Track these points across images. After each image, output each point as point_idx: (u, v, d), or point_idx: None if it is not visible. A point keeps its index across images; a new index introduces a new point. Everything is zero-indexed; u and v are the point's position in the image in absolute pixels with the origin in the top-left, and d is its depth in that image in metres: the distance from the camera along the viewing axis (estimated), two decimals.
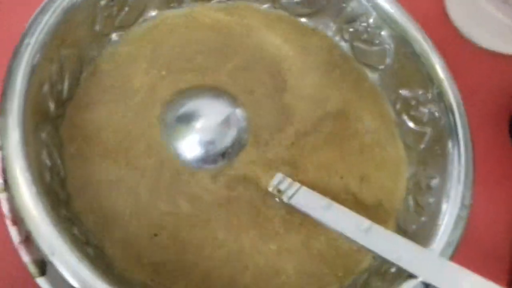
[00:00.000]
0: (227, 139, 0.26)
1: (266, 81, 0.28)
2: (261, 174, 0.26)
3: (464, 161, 0.25)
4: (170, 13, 0.30)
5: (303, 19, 0.31)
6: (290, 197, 0.25)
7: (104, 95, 0.26)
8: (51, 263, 0.20)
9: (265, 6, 0.31)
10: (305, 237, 0.25)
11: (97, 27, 0.27)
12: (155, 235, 0.24)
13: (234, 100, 0.27)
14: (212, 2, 0.30)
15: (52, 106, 0.24)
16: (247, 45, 0.29)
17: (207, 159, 0.26)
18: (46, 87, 0.24)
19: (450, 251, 0.23)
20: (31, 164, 0.21)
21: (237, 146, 0.26)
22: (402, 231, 0.25)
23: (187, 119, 0.26)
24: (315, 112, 0.28)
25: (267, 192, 0.25)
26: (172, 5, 0.30)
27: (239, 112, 0.27)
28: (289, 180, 0.26)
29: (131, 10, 0.28)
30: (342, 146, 0.28)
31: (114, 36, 0.28)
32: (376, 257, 0.24)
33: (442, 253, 0.23)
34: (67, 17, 0.25)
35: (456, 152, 0.25)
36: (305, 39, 0.30)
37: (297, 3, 0.31)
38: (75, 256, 0.20)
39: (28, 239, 0.22)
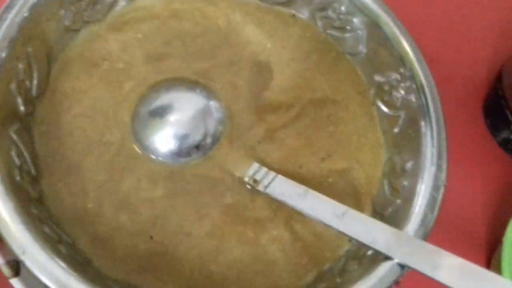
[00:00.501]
0: (200, 132, 0.26)
1: (248, 74, 0.28)
2: (237, 165, 0.26)
3: (437, 142, 0.25)
4: (141, 4, 0.29)
5: (279, 8, 0.31)
6: (266, 186, 0.25)
7: (74, 92, 0.26)
8: (23, 263, 0.20)
9: None
10: (285, 225, 0.25)
11: (66, 23, 0.27)
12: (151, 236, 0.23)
13: (208, 92, 0.27)
14: None
15: (20, 104, 0.24)
16: (228, 36, 0.29)
17: (180, 152, 0.26)
18: (13, 85, 0.24)
19: (425, 232, 0.23)
20: None
21: (212, 138, 0.26)
22: (378, 215, 0.25)
23: (159, 112, 0.26)
24: (296, 102, 0.28)
25: (242, 183, 0.25)
26: None
27: (213, 104, 0.27)
28: (264, 169, 0.25)
29: (101, 3, 0.28)
30: (320, 134, 0.28)
31: (83, 31, 0.28)
32: (353, 241, 0.24)
33: (416, 234, 0.23)
34: (33, 14, 0.24)
35: (428, 133, 0.25)
36: (286, 29, 0.30)
37: None
38: (46, 254, 0.19)
39: (0, 241, 0.22)
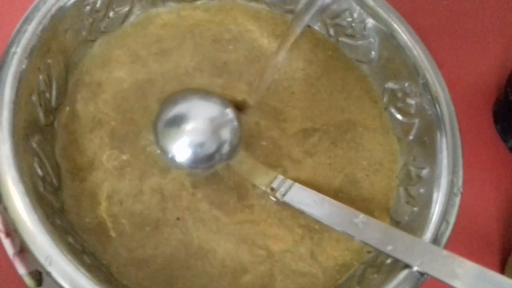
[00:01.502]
0: (217, 141, 0.26)
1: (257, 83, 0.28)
2: (255, 174, 0.26)
3: (452, 150, 0.25)
4: (156, 12, 0.29)
5: (289, 15, 0.31)
6: (284, 194, 0.25)
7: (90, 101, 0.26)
8: (47, 274, 0.20)
9: (252, 4, 0.31)
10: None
11: (83, 33, 0.27)
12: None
13: (224, 101, 0.27)
14: (199, 2, 0.30)
15: (41, 115, 0.24)
16: (239, 47, 0.29)
17: (199, 160, 0.26)
18: (34, 96, 0.24)
19: (443, 239, 0.23)
20: (23, 175, 0.21)
21: (229, 147, 0.27)
22: (395, 222, 0.26)
23: (177, 121, 0.26)
24: (311, 113, 0.28)
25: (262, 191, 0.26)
26: (157, 5, 0.29)
27: (229, 112, 0.27)
28: (281, 177, 0.26)
29: (116, 14, 0.28)
30: (337, 144, 0.28)
31: (100, 40, 0.28)
32: (371, 249, 0.24)
33: (435, 242, 0.23)
34: (53, 25, 0.25)
35: (444, 141, 0.26)
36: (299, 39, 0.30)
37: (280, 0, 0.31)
38: (72, 265, 0.20)
39: (22, 251, 0.22)
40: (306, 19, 0.24)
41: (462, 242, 0.28)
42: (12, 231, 0.22)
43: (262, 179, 0.26)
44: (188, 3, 0.30)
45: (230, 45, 0.29)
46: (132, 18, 0.29)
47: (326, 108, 0.29)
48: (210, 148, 0.26)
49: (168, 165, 0.25)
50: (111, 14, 0.28)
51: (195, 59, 0.28)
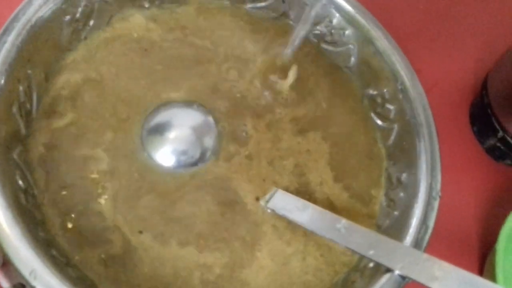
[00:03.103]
0: (199, 147, 0.26)
1: (242, 88, 0.29)
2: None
3: (431, 154, 0.26)
4: (137, 16, 0.29)
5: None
6: (267, 201, 0.26)
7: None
8: (32, 287, 0.20)
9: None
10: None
11: (63, 43, 0.27)
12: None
13: (204, 109, 0.28)
14: (180, 5, 0.30)
15: (22, 126, 0.24)
16: (223, 52, 0.29)
17: (181, 165, 0.26)
18: (15, 108, 0.24)
19: (423, 243, 0.24)
20: (5, 189, 0.21)
21: (209, 152, 0.27)
22: (376, 226, 0.26)
23: (160, 129, 0.27)
24: (295, 117, 0.28)
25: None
26: (138, 8, 0.29)
27: (210, 120, 0.27)
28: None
29: (97, 21, 0.28)
30: (322, 153, 0.28)
31: (79, 49, 0.28)
32: (354, 254, 0.25)
33: (415, 245, 0.24)
34: (32, 36, 0.25)
35: (422, 145, 0.26)
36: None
37: (260, 8, 0.31)
38: (57, 279, 0.20)
39: (6, 265, 0.22)
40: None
41: (441, 243, 0.28)
42: None
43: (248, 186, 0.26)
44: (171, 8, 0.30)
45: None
46: (113, 23, 0.29)
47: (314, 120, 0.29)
48: (192, 155, 0.26)
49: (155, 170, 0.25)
50: (91, 22, 0.28)
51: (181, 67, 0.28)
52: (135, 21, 0.29)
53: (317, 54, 0.31)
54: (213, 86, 0.28)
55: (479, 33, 0.39)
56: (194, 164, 0.26)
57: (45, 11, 0.25)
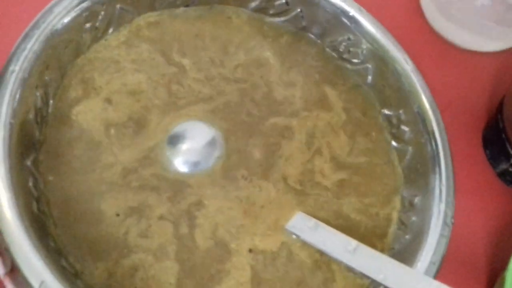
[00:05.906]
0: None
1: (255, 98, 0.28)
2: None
3: (445, 179, 0.26)
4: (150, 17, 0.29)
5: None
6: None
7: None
8: None
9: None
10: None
11: (83, 49, 0.27)
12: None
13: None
14: (196, 9, 0.30)
15: (37, 132, 0.24)
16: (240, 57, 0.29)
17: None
18: (31, 114, 0.24)
19: (434, 269, 0.24)
20: (18, 197, 0.21)
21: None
22: (388, 249, 0.26)
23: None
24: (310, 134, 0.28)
25: None
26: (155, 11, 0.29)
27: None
28: None
29: (116, 27, 0.28)
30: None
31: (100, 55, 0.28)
32: (363, 277, 0.25)
33: (426, 272, 0.24)
34: (52, 43, 0.25)
35: (437, 170, 0.26)
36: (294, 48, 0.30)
37: (281, 22, 0.31)
38: None
39: (13, 270, 0.22)
40: None
41: (449, 268, 0.28)
42: (3, 250, 0.22)
43: None
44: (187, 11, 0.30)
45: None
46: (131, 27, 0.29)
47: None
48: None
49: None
50: (111, 29, 0.28)
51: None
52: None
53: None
54: None
55: (496, 54, 0.38)
56: None
57: (65, 19, 0.25)
